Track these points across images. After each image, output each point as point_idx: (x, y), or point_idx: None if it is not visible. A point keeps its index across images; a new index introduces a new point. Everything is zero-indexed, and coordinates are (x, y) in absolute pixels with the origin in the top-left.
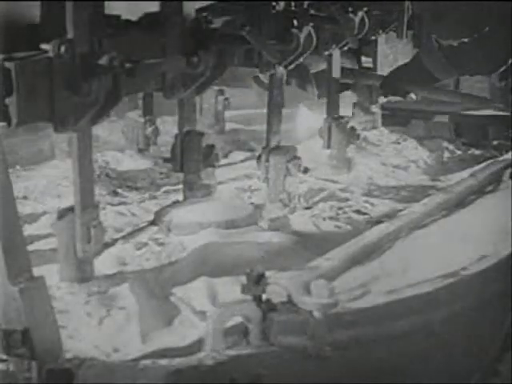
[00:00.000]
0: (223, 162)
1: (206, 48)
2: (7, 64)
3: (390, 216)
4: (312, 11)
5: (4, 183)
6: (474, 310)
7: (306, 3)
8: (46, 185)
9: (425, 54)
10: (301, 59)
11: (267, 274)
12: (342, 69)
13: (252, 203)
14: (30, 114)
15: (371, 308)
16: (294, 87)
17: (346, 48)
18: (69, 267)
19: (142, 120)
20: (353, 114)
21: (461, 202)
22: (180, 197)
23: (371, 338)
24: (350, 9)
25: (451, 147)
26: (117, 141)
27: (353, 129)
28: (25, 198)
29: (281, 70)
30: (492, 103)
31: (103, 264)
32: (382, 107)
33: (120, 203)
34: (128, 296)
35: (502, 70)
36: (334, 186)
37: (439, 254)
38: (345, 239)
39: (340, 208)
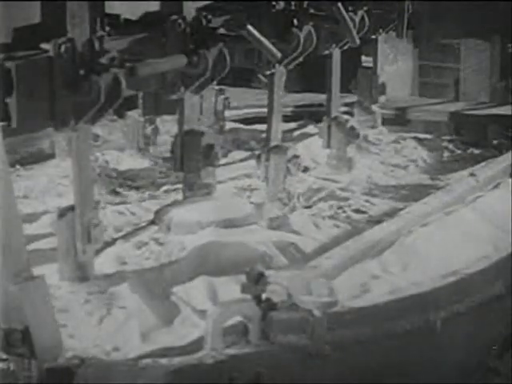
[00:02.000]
0: (223, 161)
1: (206, 47)
2: (7, 64)
3: (389, 215)
4: (312, 10)
5: (4, 182)
6: (474, 309)
7: (305, 3)
8: (46, 184)
9: None
10: (300, 58)
11: (267, 273)
12: None
13: (252, 202)
14: (30, 113)
15: (371, 307)
16: None
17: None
18: (69, 266)
19: (142, 119)
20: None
21: (461, 201)
22: (180, 196)
23: (371, 338)
24: (351, 8)
25: (451, 146)
26: (117, 140)
27: (352, 128)
28: (25, 197)
29: (281, 69)
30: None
31: (103, 263)
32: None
33: (120, 202)
34: (128, 295)
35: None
36: (333, 185)
37: (439, 253)
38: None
39: (340, 207)
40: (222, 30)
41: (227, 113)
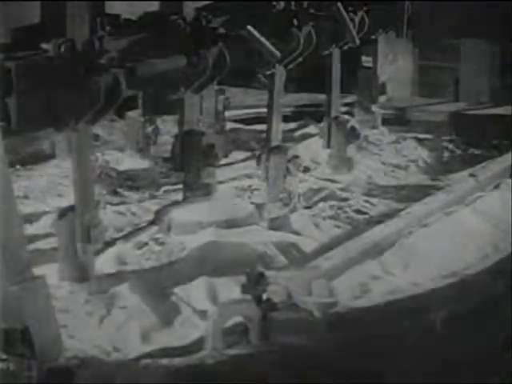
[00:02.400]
0: (223, 161)
1: (207, 47)
2: (7, 64)
3: (390, 216)
4: (312, 10)
5: (4, 182)
6: (474, 309)
7: (305, 3)
8: (46, 184)
9: None
10: (300, 58)
11: (267, 273)
12: None
13: (252, 203)
14: (29, 113)
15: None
16: None
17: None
18: (69, 267)
19: (142, 120)
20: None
21: (461, 202)
22: (180, 196)
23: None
24: (351, 8)
25: (451, 147)
26: (117, 140)
27: (353, 128)
28: (25, 197)
29: (281, 69)
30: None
31: (103, 263)
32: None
33: (120, 203)
34: (128, 295)
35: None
36: (333, 185)
37: (439, 253)
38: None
39: (340, 207)
40: (222, 30)
41: (227, 113)
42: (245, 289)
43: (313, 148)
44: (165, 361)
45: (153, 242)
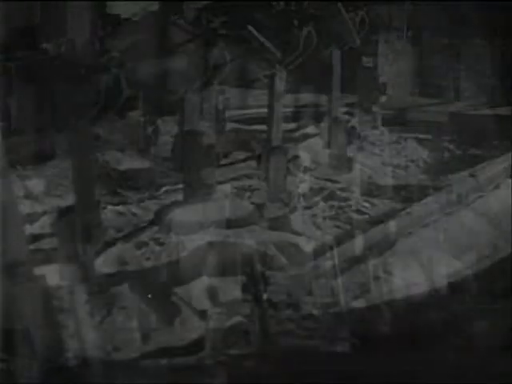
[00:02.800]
0: (223, 161)
1: (207, 47)
2: (7, 64)
3: (390, 216)
4: (312, 11)
5: (4, 182)
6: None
7: (305, 3)
8: (46, 184)
9: None
10: (300, 59)
11: (267, 273)
12: None
13: (252, 203)
14: (30, 113)
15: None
16: None
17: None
18: (69, 267)
19: (143, 120)
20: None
21: (461, 202)
22: (180, 196)
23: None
24: (351, 8)
25: (451, 147)
26: (117, 140)
27: (353, 128)
28: (25, 197)
29: (281, 69)
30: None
31: (104, 263)
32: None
33: (120, 203)
34: (128, 295)
35: None
36: (334, 185)
37: (440, 253)
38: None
39: (340, 207)
40: (222, 31)
41: (227, 113)
42: (245, 289)
43: (313, 148)
44: (165, 361)
45: (153, 242)
